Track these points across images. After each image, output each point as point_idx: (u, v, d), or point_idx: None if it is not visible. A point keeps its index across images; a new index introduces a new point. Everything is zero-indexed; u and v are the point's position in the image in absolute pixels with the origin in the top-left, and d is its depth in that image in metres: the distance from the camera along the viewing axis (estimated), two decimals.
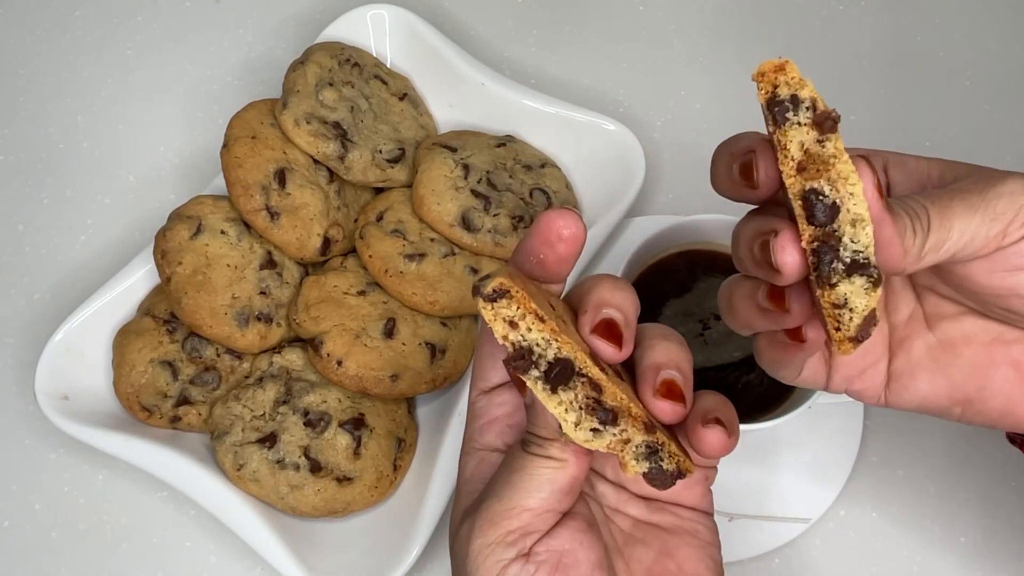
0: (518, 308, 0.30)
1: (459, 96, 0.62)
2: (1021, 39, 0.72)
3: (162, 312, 0.54)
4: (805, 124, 0.30)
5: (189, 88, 0.66)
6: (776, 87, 0.29)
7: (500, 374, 0.36)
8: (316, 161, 0.55)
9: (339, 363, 0.51)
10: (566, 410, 0.31)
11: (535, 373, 0.31)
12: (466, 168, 0.57)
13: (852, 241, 0.30)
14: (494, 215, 0.55)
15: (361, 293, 0.54)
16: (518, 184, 0.58)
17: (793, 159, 0.30)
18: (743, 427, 0.47)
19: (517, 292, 0.30)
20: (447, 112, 0.63)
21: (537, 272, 0.34)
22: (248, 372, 0.53)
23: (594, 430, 0.31)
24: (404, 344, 0.53)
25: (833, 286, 0.30)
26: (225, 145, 0.54)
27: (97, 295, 0.54)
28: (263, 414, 0.51)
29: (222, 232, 0.54)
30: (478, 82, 0.61)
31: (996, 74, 0.70)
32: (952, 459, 0.56)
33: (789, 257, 0.31)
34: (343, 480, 0.50)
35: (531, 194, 0.58)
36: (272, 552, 0.48)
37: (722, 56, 0.70)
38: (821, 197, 0.29)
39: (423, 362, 0.53)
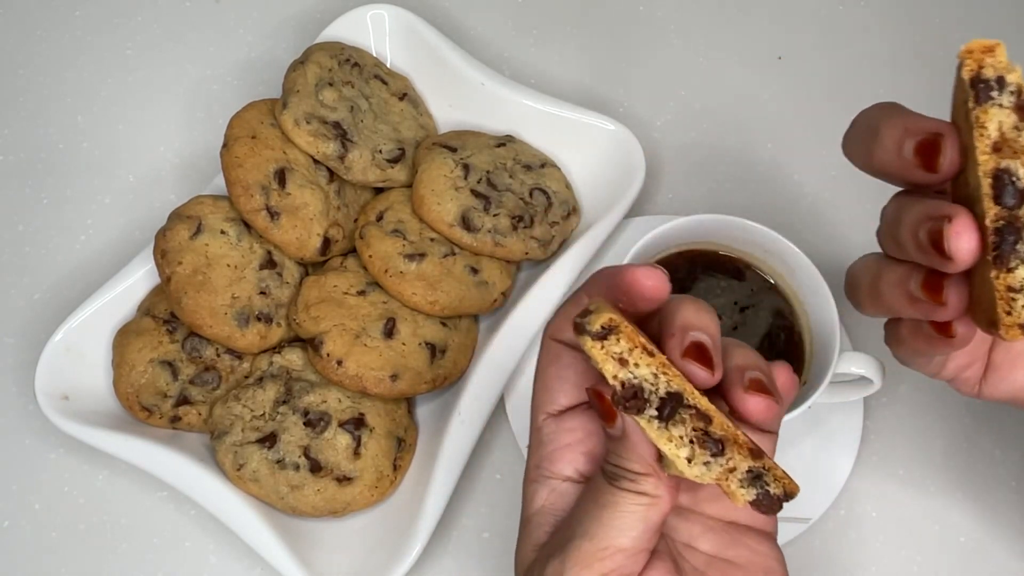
0: (627, 343, 0.29)
1: (459, 96, 0.62)
2: (1021, 39, 0.72)
3: (162, 312, 0.54)
4: (1008, 107, 0.29)
5: (189, 88, 0.66)
6: (982, 67, 0.30)
7: (569, 397, 0.34)
8: (316, 161, 0.55)
9: (339, 363, 0.51)
10: (677, 446, 0.30)
11: (650, 412, 0.29)
12: (466, 168, 0.57)
13: None
14: (494, 215, 0.55)
15: (361, 293, 0.54)
16: (518, 184, 0.58)
17: (989, 138, 0.29)
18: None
19: (625, 328, 0.29)
20: (447, 112, 0.63)
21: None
22: (248, 372, 0.53)
23: (705, 463, 0.30)
24: (404, 344, 0.53)
25: (1011, 270, 0.29)
26: (225, 145, 0.54)
27: (97, 295, 0.54)
28: (263, 414, 0.51)
29: (222, 232, 0.54)
30: (478, 82, 0.61)
31: None
32: (952, 459, 0.56)
33: (965, 244, 0.29)
34: (343, 480, 0.50)
35: (531, 194, 0.58)
36: (272, 552, 0.48)
37: (722, 56, 0.70)
38: (1013, 179, 0.29)
39: (423, 362, 0.53)
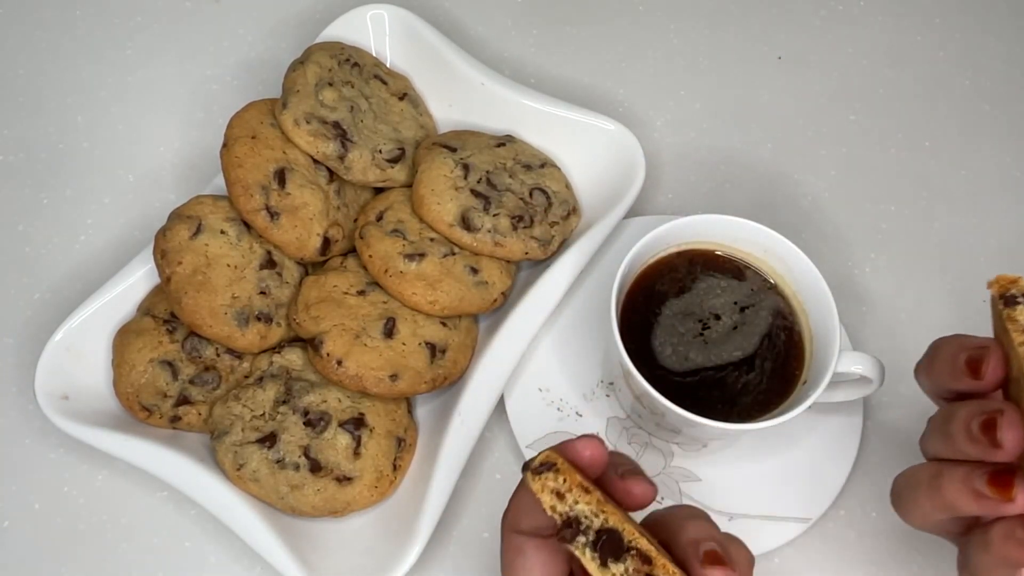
0: (564, 481, 0.33)
1: (459, 96, 0.62)
2: (1021, 39, 0.72)
3: (162, 312, 0.54)
4: None
5: (189, 88, 0.66)
6: (1007, 288, 0.37)
7: (529, 523, 0.37)
8: (316, 161, 0.55)
9: (339, 363, 0.51)
10: None
11: (582, 540, 0.32)
12: (466, 168, 0.57)
13: None
14: (494, 215, 0.56)
15: (361, 293, 0.54)
16: (518, 184, 0.58)
17: (1022, 330, 0.36)
18: (743, 427, 0.47)
19: (563, 465, 0.33)
20: (447, 112, 0.63)
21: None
22: (248, 372, 0.53)
23: None
24: (404, 344, 0.53)
25: None
26: (225, 145, 0.54)
27: (97, 295, 0.54)
28: (263, 414, 0.51)
29: (222, 232, 0.54)
30: (477, 82, 0.61)
31: (996, 74, 0.70)
32: None
33: (1014, 434, 0.34)
34: (343, 480, 0.50)
35: (531, 194, 0.58)
36: (272, 552, 0.48)
37: (722, 56, 0.70)
38: None
39: (423, 362, 0.53)
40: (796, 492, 0.53)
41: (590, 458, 0.36)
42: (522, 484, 0.38)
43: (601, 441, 0.36)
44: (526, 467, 0.34)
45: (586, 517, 0.32)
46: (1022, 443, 0.34)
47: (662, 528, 0.36)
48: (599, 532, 0.32)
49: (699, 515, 0.37)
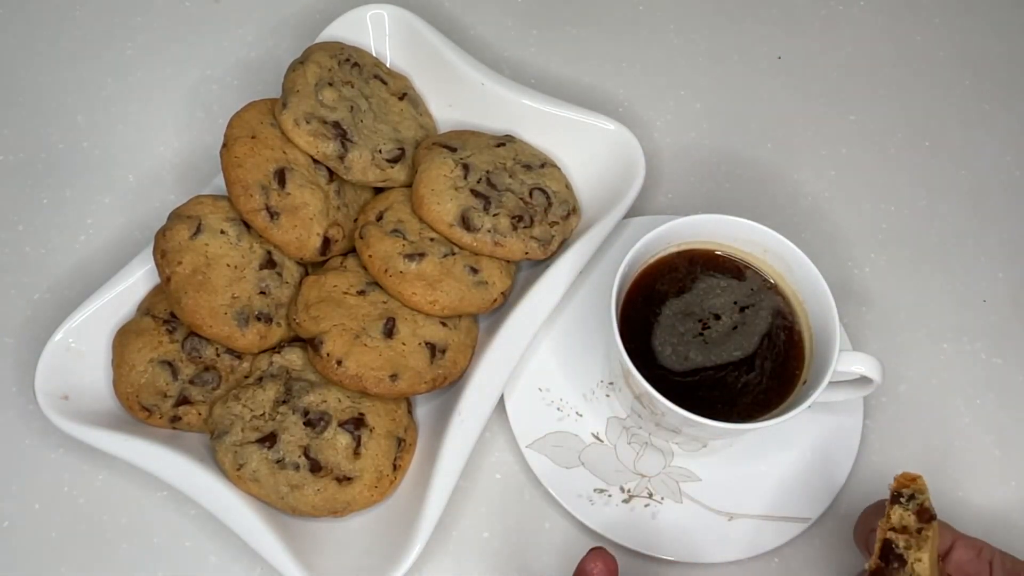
0: None
1: (459, 96, 0.62)
2: (1021, 39, 0.72)
3: (162, 312, 0.54)
4: (909, 510, 0.43)
5: (189, 88, 0.66)
6: (901, 488, 0.44)
7: None
8: (316, 161, 0.55)
9: (339, 363, 0.51)
10: None
11: None
12: (466, 168, 0.57)
13: None
14: (494, 215, 0.56)
15: (361, 293, 0.54)
16: (518, 184, 0.58)
17: (892, 524, 0.43)
18: (743, 427, 0.47)
19: None
20: (447, 112, 0.63)
21: None
22: (248, 372, 0.53)
23: None
24: (404, 344, 0.53)
25: None
26: (225, 145, 0.54)
27: (97, 295, 0.54)
28: (263, 414, 0.51)
29: (222, 232, 0.54)
30: (477, 82, 0.61)
31: (996, 74, 0.70)
32: (952, 459, 0.56)
33: None
34: (343, 480, 0.50)
35: (531, 194, 0.58)
36: (272, 552, 0.48)
37: (722, 56, 0.70)
38: (895, 548, 0.42)
39: (423, 362, 0.53)
40: (796, 492, 0.53)
41: (601, 572, 0.41)
42: None
43: (605, 551, 0.42)
44: None
45: None
46: None
47: None
48: None
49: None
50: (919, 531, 0.43)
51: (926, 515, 0.43)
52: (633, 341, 0.50)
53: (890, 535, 0.43)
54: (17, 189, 0.62)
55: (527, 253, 0.56)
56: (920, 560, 0.42)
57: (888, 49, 0.71)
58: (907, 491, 0.44)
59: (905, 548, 0.43)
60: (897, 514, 0.43)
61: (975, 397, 0.58)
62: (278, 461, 0.50)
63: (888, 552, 0.43)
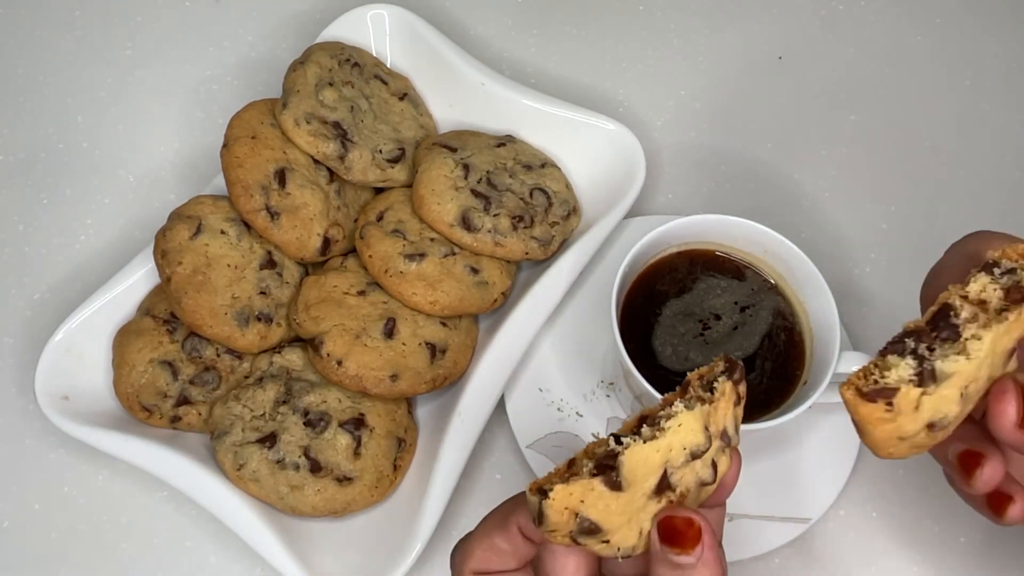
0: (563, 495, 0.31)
1: (459, 96, 0.62)
2: (1021, 39, 0.72)
3: (162, 312, 0.54)
4: (999, 284, 0.34)
5: (189, 88, 0.66)
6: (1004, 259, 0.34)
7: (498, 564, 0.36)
8: (316, 161, 0.55)
9: (339, 363, 0.51)
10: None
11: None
12: (466, 168, 0.57)
13: None
14: (494, 215, 0.55)
15: (361, 293, 0.54)
16: (518, 184, 0.58)
17: (966, 292, 0.33)
18: (743, 427, 0.47)
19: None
20: (447, 112, 0.63)
21: None
22: (248, 372, 0.53)
23: None
24: (404, 344, 0.53)
25: None
26: (225, 145, 0.54)
27: (97, 295, 0.54)
28: (263, 414, 0.51)
29: (222, 232, 0.54)
30: (478, 82, 0.61)
31: (996, 74, 0.70)
32: None
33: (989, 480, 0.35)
34: (343, 480, 0.50)
35: (531, 194, 0.58)
36: (272, 552, 0.48)
37: (722, 56, 0.70)
38: (953, 317, 0.34)
39: (423, 362, 0.53)
40: (796, 492, 0.53)
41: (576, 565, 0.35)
42: (488, 525, 0.36)
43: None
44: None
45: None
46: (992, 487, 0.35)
47: None
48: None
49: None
50: (1000, 312, 0.33)
51: (1019, 294, 0.33)
52: (633, 341, 0.50)
53: (957, 301, 0.33)
54: (17, 189, 0.62)
55: (527, 253, 0.56)
56: (978, 338, 0.32)
57: (888, 49, 0.71)
58: (1007, 263, 0.34)
59: (966, 321, 0.33)
60: (980, 283, 0.33)
61: None
62: (278, 461, 0.50)
63: (943, 318, 0.33)
